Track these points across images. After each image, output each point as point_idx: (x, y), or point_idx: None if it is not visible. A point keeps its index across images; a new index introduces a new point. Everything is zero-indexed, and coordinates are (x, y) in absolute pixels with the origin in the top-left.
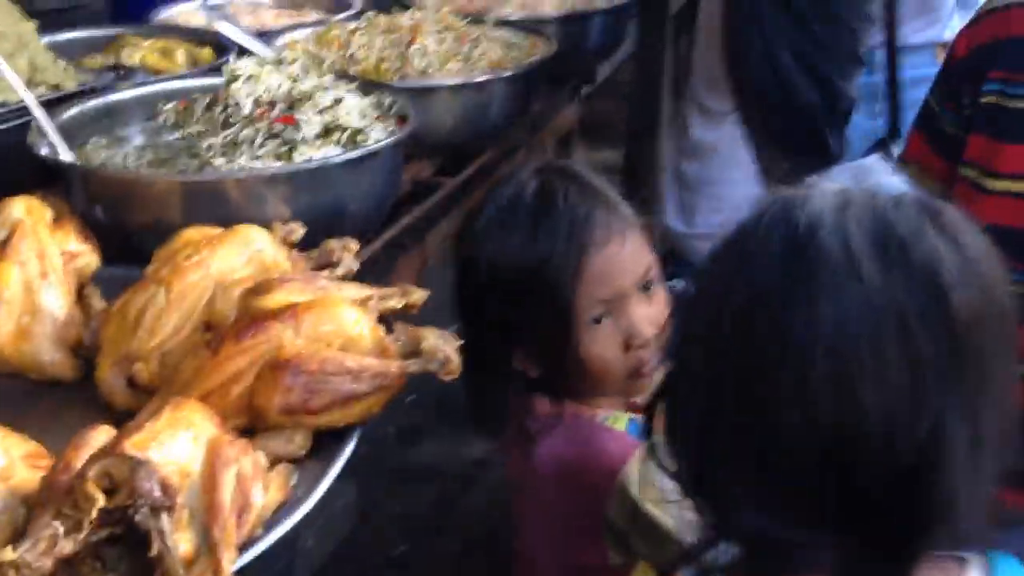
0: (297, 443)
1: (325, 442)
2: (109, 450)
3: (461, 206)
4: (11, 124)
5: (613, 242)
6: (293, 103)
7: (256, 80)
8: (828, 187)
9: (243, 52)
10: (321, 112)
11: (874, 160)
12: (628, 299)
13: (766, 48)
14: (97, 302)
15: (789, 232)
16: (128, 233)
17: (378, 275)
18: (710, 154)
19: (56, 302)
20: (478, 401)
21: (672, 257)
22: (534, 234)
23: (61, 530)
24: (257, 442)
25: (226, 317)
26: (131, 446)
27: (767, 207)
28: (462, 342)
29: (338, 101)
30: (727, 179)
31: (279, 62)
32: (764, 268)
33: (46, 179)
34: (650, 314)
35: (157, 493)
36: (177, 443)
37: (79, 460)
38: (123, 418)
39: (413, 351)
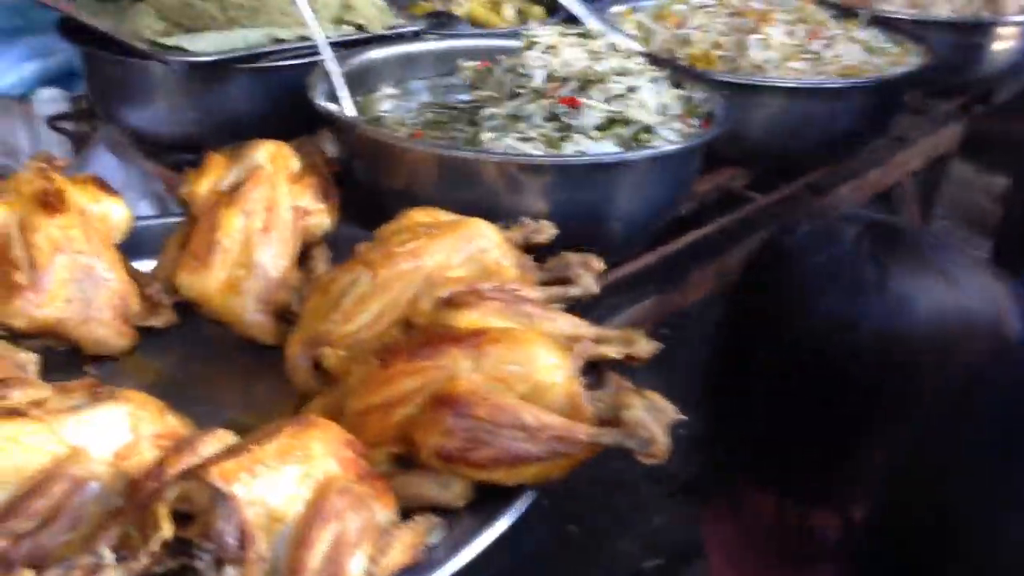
0: (454, 492)
1: (491, 493)
2: (199, 470)
3: (756, 235)
4: (301, 62)
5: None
6: (584, 84)
7: (554, 52)
8: None
9: (572, 20)
10: (609, 100)
11: None
12: None
13: None
14: (321, 266)
15: None
16: (380, 196)
17: (621, 303)
18: None
19: (272, 261)
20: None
21: None
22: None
23: (109, 558)
24: (409, 480)
25: (427, 319)
26: (220, 473)
27: None
28: (679, 418)
29: (632, 90)
30: None
31: (583, 36)
32: None
33: (315, 124)
34: None
35: (230, 540)
36: (279, 479)
37: (174, 468)
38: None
39: (612, 417)
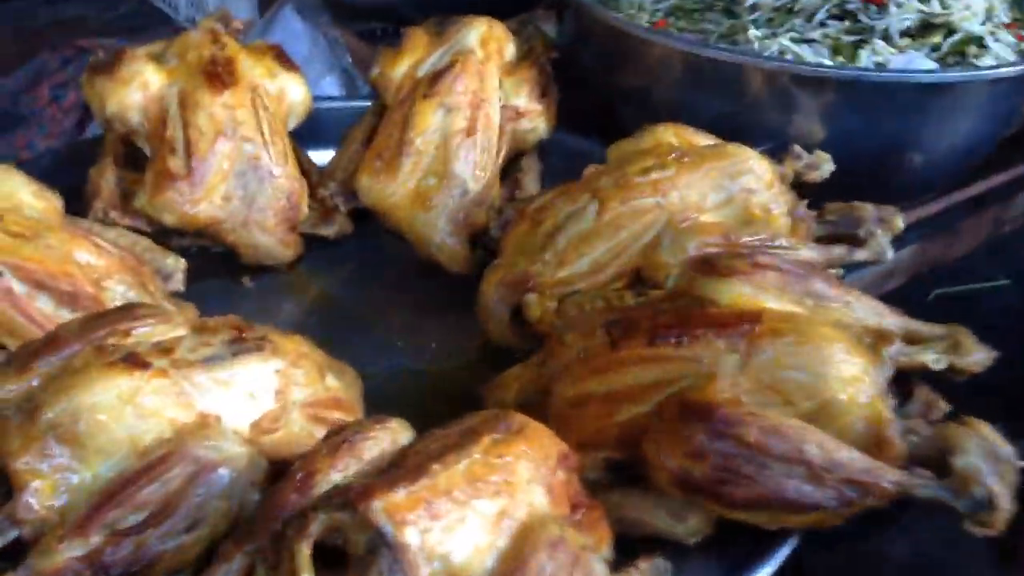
0: (689, 526)
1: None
2: (359, 498)
3: None
4: None
5: None
6: None
7: None
8: None
9: None
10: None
11: None
12: None
13: None
14: (531, 184)
15: None
16: (608, 98)
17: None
18: None
19: (473, 171)
20: None
21: None
22: None
23: None
24: (630, 502)
25: (665, 275)
26: (388, 509)
27: None
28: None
29: None
30: None
31: None
32: None
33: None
34: None
35: None
36: (467, 521)
37: (325, 474)
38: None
39: (931, 458)
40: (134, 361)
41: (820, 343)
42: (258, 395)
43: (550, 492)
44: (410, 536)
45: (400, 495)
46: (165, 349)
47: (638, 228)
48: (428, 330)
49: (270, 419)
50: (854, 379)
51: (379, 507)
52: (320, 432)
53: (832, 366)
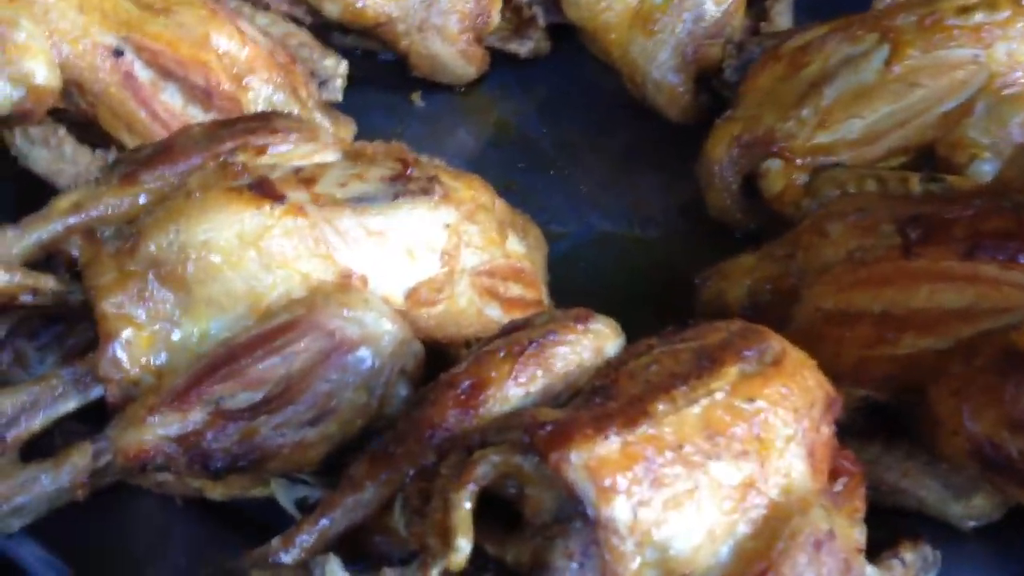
0: (973, 507)
1: None
2: (548, 439)
3: None
4: None
5: None
6: None
7: None
8: None
9: None
10: None
11: None
12: None
13: None
14: (781, 14)
15: None
16: None
17: None
18: None
19: None
20: None
21: None
22: None
23: None
24: (897, 466)
25: (971, 156)
26: (590, 465)
27: None
28: None
29: None
30: None
31: None
32: None
33: None
34: None
35: None
36: (696, 499)
37: (503, 386)
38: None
39: None
40: (265, 190)
41: None
42: (419, 254)
43: (811, 456)
44: (620, 509)
45: (611, 445)
46: (307, 179)
47: (942, 88)
48: (632, 188)
49: (432, 287)
50: None
51: (580, 460)
52: (494, 311)
53: None
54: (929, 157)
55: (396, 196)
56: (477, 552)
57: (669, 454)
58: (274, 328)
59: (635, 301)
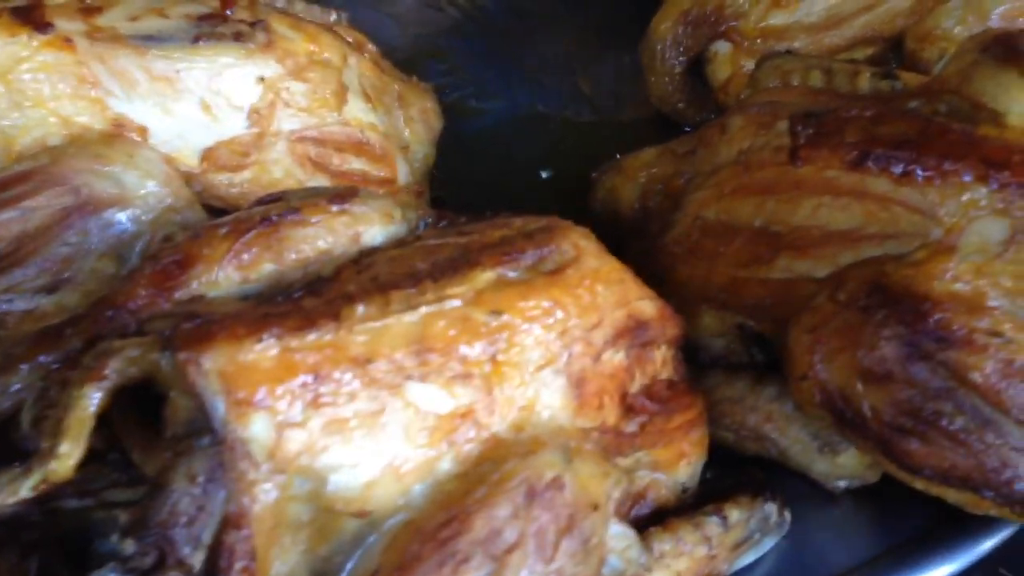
0: (839, 464)
1: None
2: (192, 333)
3: None
4: None
5: None
6: None
7: None
8: None
9: None
10: None
11: None
12: None
13: None
14: None
15: None
16: None
17: None
18: None
19: None
20: None
21: None
22: None
23: None
24: (753, 402)
25: (940, 52)
26: (233, 369)
27: None
28: None
29: None
30: None
31: None
32: None
33: None
34: None
35: (187, 549)
36: (380, 425)
37: (213, 267)
38: None
39: None
40: (29, 16)
41: None
42: (219, 110)
43: (579, 387)
44: (257, 428)
45: (263, 351)
46: (91, 7)
47: None
48: (582, 68)
49: (235, 150)
50: None
51: (214, 364)
52: (320, 184)
53: None
54: (897, 52)
55: (197, 39)
56: (124, 462)
57: (349, 368)
58: (9, 176)
59: (543, 192)
